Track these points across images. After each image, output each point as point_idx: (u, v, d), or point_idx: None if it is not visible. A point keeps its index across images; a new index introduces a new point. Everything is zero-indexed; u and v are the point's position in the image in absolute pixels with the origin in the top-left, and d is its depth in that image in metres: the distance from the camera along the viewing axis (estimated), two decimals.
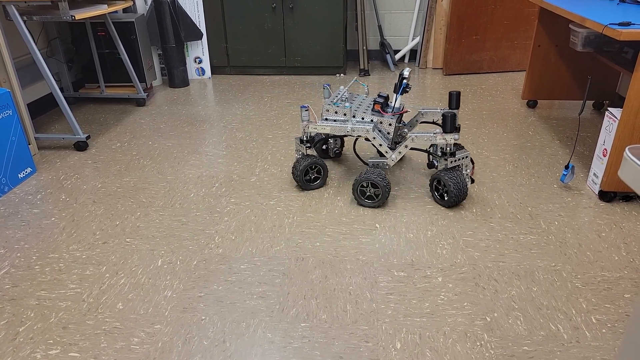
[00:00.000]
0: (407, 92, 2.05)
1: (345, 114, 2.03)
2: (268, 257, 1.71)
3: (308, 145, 2.14)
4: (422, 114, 2.17)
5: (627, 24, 1.75)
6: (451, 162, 1.97)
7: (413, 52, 4.32)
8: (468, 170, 2.01)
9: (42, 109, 3.18)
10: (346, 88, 2.26)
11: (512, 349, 1.31)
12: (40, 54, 2.47)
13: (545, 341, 1.34)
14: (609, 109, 1.96)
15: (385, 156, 2.01)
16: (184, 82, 3.73)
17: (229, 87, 3.68)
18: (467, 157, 1.99)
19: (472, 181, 2.04)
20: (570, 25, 2.57)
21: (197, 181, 2.26)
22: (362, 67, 3.94)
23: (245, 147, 2.63)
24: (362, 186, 1.98)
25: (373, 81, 3.76)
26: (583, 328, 1.38)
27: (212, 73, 4.03)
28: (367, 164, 2.14)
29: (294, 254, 1.72)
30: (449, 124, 1.89)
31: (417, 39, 4.16)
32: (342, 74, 3.96)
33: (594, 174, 2.08)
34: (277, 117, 3.06)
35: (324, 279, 1.60)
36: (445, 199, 1.98)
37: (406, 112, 2.09)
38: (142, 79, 3.45)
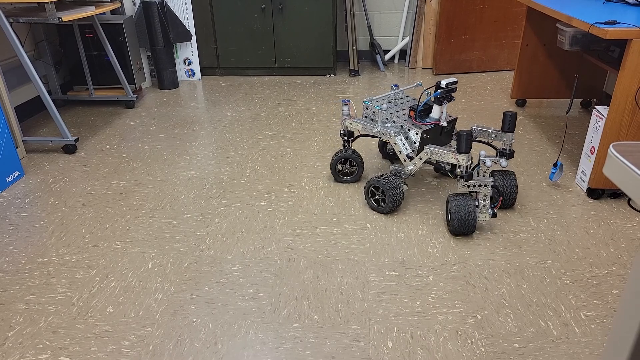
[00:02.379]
0: (444, 103, 1.88)
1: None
2: (259, 258, 1.71)
3: (345, 139, 2.17)
4: (476, 132, 1.99)
5: (613, 23, 1.77)
6: (462, 185, 1.76)
7: (403, 52, 4.34)
8: (487, 201, 1.78)
9: (30, 112, 3.15)
10: (402, 89, 2.19)
11: (502, 346, 1.32)
12: (27, 56, 2.45)
13: (535, 338, 1.35)
14: (596, 107, 1.98)
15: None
16: (174, 84, 3.71)
17: (218, 89, 3.67)
18: (486, 185, 1.75)
19: (493, 215, 1.78)
20: (557, 25, 2.60)
21: (187, 183, 2.25)
22: (352, 67, 3.95)
23: (236, 148, 2.62)
24: (372, 190, 1.96)
25: (363, 81, 3.77)
26: (572, 324, 1.39)
27: (201, 74, 4.01)
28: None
29: (285, 255, 1.72)
30: (464, 144, 1.72)
31: (407, 39, 4.18)
32: (332, 75, 3.96)
33: (582, 172, 2.10)
34: (267, 118, 3.05)
35: (315, 279, 1.60)
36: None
37: (439, 124, 1.92)
38: (131, 81, 3.43)
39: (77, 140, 2.61)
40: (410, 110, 1.96)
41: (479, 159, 1.77)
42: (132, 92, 3.41)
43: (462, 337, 1.35)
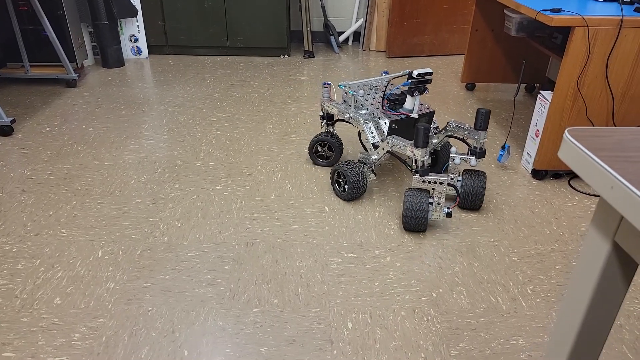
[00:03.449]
0: (416, 94, 1.82)
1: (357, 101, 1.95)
2: (216, 244, 1.67)
3: (324, 122, 2.13)
4: (452, 128, 1.90)
5: (558, 10, 1.84)
6: (417, 181, 1.71)
7: (357, 35, 4.34)
8: (442, 200, 1.69)
9: None
10: (389, 77, 2.06)
11: (456, 322, 1.38)
12: None
13: (486, 313, 1.41)
14: (541, 91, 2.07)
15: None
16: (119, 62, 3.53)
17: (168, 68, 3.53)
18: (442, 183, 1.67)
19: (448, 215, 1.71)
20: (505, 11, 2.67)
21: (137, 167, 2.16)
22: (306, 48, 3.90)
23: (189, 130, 2.54)
24: (337, 175, 1.94)
25: (317, 63, 3.74)
26: (520, 299, 1.47)
27: (149, 53, 3.83)
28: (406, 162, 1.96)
29: (243, 240, 1.70)
30: (421, 138, 1.64)
31: (361, 21, 4.17)
32: (286, 56, 3.90)
33: (528, 154, 2.20)
34: (220, 99, 2.97)
35: (274, 263, 1.59)
36: None
37: (406, 116, 1.88)
38: (71, 58, 3.22)
39: (13, 121, 2.43)
40: (383, 98, 1.93)
41: (449, 156, 1.78)
42: (74, 70, 3.20)
43: (419, 315, 1.40)
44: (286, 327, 1.35)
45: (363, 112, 1.97)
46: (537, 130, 2.10)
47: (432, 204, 1.72)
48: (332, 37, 4.06)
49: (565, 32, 2.51)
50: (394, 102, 1.93)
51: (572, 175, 2.18)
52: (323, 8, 4.10)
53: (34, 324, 1.33)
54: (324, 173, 2.15)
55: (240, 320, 1.36)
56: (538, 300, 1.46)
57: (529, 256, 1.66)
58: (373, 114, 1.94)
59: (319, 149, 2.19)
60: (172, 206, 1.88)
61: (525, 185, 2.09)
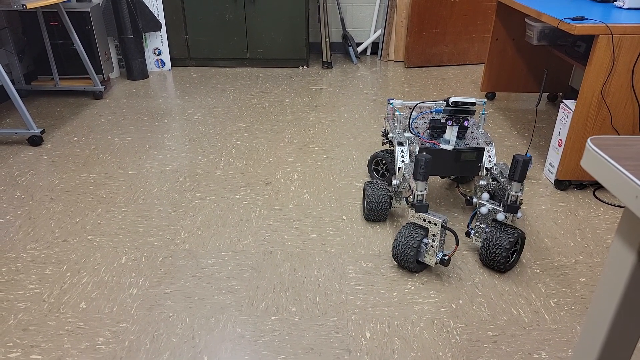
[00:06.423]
0: (451, 124, 1.65)
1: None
2: (236, 252, 1.69)
3: (385, 139, 2.08)
4: (495, 171, 1.71)
5: (581, 19, 1.82)
6: (411, 215, 1.55)
7: (375, 45, 4.36)
8: (436, 243, 1.50)
9: None
10: (425, 101, 1.97)
11: (477, 334, 1.36)
12: None
13: (507, 325, 1.39)
14: (563, 100, 2.05)
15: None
16: (143, 74, 3.62)
17: (190, 80, 3.60)
18: (436, 224, 1.48)
19: (443, 262, 1.50)
20: (526, 20, 2.66)
21: (160, 176, 2.21)
22: (325, 59, 3.94)
23: (209, 140, 2.58)
24: (365, 194, 1.87)
25: (335, 74, 3.77)
26: (542, 312, 1.44)
27: (172, 65, 3.92)
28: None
29: (262, 248, 1.71)
30: (419, 170, 1.49)
31: (379, 32, 4.19)
32: (305, 67, 3.94)
33: (550, 164, 2.17)
34: (240, 110, 3.02)
35: (292, 271, 1.60)
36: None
37: (437, 144, 1.73)
38: (98, 71, 3.32)
39: (43, 131, 2.51)
40: (429, 123, 1.79)
41: (478, 203, 1.63)
42: (100, 82, 3.30)
43: (438, 326, 1.38)
44: (304, 335, 1.35)
45: (409, 134, 1.85)
46: (560, 139, 2.07)
47: (426, 244, 1.54)
48: (350, 48, 4.09)
49: (588, 40, 2.48)
50: (438, 129, 1.77)
51: (597, 186, 2.13)
52: (342, 19, 4.14)
53: (60, 328, 1.36)
54: (342, 183, 2.15)
55: (259, 327, 1.37)
56: (562, 314, 1.43)
57: (552, 268, 1.63)
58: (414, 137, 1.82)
59: (379, 163, 2.12)
60: (192, 214, 1.91)
61: (547, 196, 2.06)
